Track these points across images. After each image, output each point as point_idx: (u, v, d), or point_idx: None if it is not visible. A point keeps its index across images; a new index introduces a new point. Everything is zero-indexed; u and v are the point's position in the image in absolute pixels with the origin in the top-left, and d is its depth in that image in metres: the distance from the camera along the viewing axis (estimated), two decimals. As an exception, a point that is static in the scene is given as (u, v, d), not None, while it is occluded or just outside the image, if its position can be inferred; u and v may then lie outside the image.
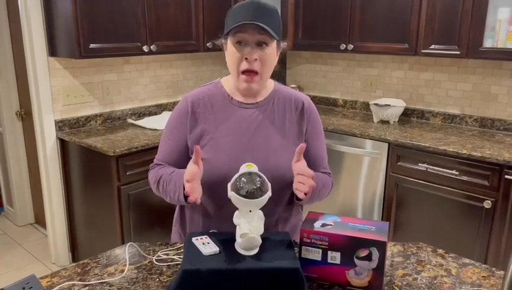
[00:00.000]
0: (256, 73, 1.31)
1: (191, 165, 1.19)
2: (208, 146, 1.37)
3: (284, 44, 1.39)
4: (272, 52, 1.32)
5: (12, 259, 3.21)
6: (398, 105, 3.16)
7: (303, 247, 1.17)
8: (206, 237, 1.22)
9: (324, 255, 1.16)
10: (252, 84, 1.32)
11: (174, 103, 3.46)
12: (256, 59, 1.29)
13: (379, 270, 1.13)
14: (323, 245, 1.15)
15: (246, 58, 1.29)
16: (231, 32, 1.28)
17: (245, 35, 1.27)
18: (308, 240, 1.16)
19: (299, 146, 1.23)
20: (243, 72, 1.31)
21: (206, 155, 1.36)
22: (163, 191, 1.37)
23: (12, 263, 3.15)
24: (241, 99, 1.41)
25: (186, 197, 1.26)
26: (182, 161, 1.41)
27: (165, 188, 1.35)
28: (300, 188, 1.21)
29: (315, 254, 1.16)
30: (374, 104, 3.18)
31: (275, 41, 1.32)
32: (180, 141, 1.40)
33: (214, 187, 1.32)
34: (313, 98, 3.77)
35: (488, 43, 2.60)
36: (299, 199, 1.34)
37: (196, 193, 1.19)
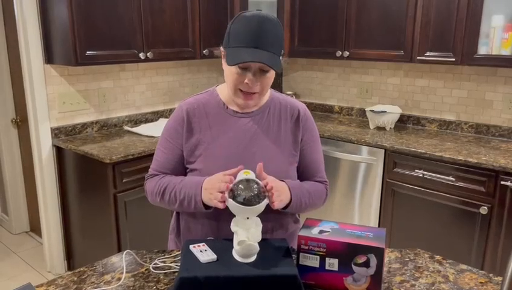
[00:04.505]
0: (255, 93, 1.32)
1: (224, 177, 1.21)
2: (203, 156, 1.37)
3: (281, 60, 1.38)
4: (272, 75, 1.32)
5: (7, 268, 3.18)
6: (394, 112, 3.17)
7: (301, 254, 1.17)
8: (203, 245, 1.21)
9: (322, 261, 1.15)
10: (249, 101, 1.33)
11: (171, 110, 3.46)
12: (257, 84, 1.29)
13: (377, 276, 1.12)
14: (321, 252, 1.15)
15: (247, 83, 1.29)
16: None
17: (248, 63, 1.26)
18: (306, 247, 1.16)
19: (258, 165, 1.24)
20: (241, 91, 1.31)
21: (201, 165, 1.36)
22: (171, 199, 1.35)
23: (7, 272, 3.12)
24: (236, 109, 1.41)
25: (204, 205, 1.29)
26: (178, 170, 1.41)
27: (174, 196, 1.34)
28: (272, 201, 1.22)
29: (313, 261, 1.16)
30: (370, 110, 3.20)
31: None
32: (176, 150, 1.40)
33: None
34: (309, 105, 3.78)
35: (482, 50, 2.62)
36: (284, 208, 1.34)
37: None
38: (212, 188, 1.23)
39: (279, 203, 1.25)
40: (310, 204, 1.40)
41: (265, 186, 1.20)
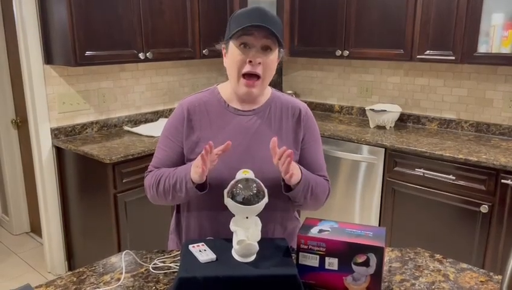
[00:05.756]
0: (257, 77, 1.30)
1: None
2: None
3: (282, 53, 1.37)
4: (274, 58, 1.32)
5: (8, 268, 3.18)
6: (394, 110, 3.17)
7: (300, 253, 1.17)
8: (202, 244, 1.21)
9: (321, 261, 1.15)
10: (252, 89, 1.32)
11: (171, 110, 3.46)
12: (259, 63, 1.28)
13: (377, 276, 1.12)
14: (321, 251, 1.15)
15: (250, 61, 1.28)
16: (237, 34, 1.27)
17: (251, 38, 1.27)
18: (306, 246, 1.16)
19: (272, 140, 1.21)
20: (244, 76, 1.30)
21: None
22: (165, 187, 1.34)
23: (7, 273, 3.12)
24: (237, 106, 1.40)
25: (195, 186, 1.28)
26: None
27: (167, 183, 1.34)
28: (283, 169, 1.21)
29: (312, 260, 1.16)
30: (370, 109, 3.19)
31: (277, 48, 1.32)
32: (176, 148, 1.40)
33: (210, 195, 1.31)
34: (309, 104, 3.78)
35: (482, 48, 2.62)
36: (289, 190, 1.32)
37: (206, 171, 1.22)
38: (197, 162, 1.23)
39: (292, 176, 1.22)
40: (315, 193, 1.37)
41: (283, 153, 1.18)
